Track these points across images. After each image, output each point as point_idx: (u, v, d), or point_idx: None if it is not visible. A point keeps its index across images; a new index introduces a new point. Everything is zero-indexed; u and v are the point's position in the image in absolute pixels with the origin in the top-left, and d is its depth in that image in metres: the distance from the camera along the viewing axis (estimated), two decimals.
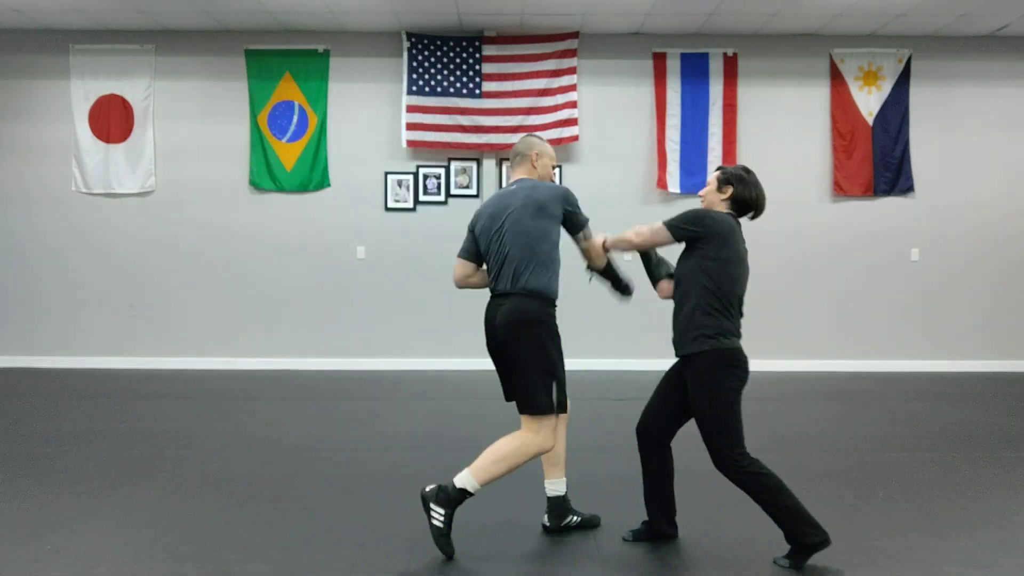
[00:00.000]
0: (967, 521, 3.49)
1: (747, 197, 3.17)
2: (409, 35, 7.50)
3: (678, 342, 3.10)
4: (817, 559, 3.03)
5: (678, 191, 7.63)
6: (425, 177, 7.69)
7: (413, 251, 7.63)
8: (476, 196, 7.67)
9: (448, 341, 7.60)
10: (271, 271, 7.74)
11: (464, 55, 7.52)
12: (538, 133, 7.52)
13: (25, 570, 2.93)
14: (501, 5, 6.89)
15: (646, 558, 3.09)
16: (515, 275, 3.11)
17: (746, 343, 3.08)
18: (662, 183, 7.61)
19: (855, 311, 7.74)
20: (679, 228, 3.08)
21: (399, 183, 7.71)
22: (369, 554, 3.08)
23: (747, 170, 3.22)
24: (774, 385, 6.80)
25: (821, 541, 2.95)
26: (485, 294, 3.32)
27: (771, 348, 7.45)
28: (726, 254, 3.02)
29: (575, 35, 7.53)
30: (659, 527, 3.25)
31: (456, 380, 7.11)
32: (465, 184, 7.72)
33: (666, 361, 3.24)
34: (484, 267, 3.32)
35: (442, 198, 7.72)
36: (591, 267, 3.37)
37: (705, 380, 2.99)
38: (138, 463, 4.35)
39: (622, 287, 3.42)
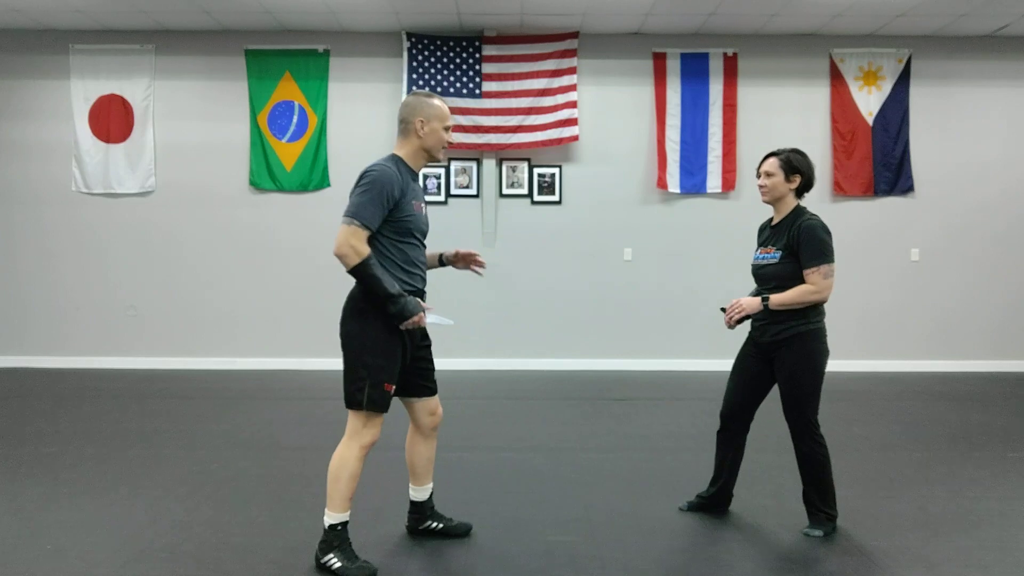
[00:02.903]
0: (967, 521, 3.49)
1: (810, 178, 3.35)
2: (409, 35, 7.50)
3: (770, 330, 3.29)
4: (817, 559, 3.04)
5: (678, 191, 7.63)
6: (425, 177, 7.68)
7: None
8: (476, 196, 7.67)
9: (448, 341, 7.58)
10: (271, 271, 7.74)
11: (464, 55, 7.52)
12: (538, 133, 7.61)
13: (25, 570, 2.93)
14: (501, 5, 6.88)
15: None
16: None
17: None
18: (662, 183, 7.61)
19: (855, 311, 7.74)
20: (832, 254, 3.22)
21: None
22: (369, 554, 3.08)
23: (799, 151, 3.36)
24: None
25: (836, 516, 3.33)
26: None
27: None
28: None
29: (575, 35, 7.53)
30: (719, 500, 3.59)
31: (456, 380, 7.10)
32: (465, 184, 7.72)
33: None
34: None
35: (442, 198, 7.71)
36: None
37: (801, 356, 3.23)
38: (138, 463, 4.35)
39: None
